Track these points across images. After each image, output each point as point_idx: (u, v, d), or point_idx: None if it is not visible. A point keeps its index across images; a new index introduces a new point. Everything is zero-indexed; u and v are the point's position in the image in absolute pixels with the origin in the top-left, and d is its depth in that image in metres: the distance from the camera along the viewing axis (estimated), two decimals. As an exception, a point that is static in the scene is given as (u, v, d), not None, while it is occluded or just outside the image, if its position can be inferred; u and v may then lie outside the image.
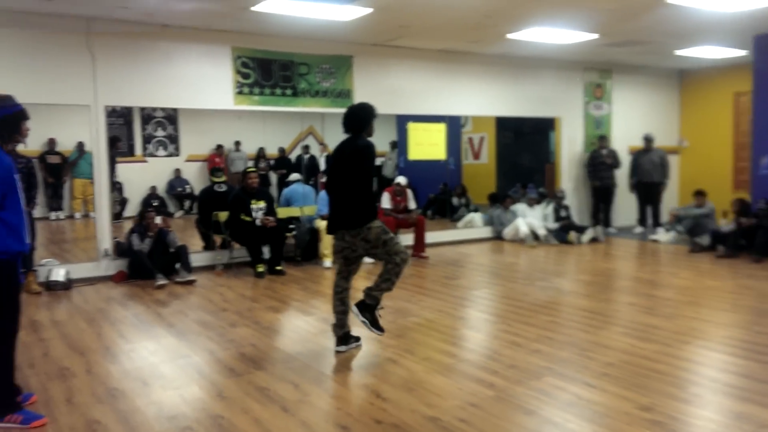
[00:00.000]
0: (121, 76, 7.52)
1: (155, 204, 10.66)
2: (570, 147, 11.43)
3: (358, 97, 9.03)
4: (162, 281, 7.09)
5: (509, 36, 8.70)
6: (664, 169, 11.00)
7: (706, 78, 12.28)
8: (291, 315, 6.04)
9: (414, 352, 4.71)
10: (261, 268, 7.65)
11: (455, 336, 5.28)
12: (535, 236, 10.11)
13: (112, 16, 7.22)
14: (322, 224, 8.13)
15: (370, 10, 7.10)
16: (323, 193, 8.28)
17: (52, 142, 9.40)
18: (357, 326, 4.73)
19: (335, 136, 5.04)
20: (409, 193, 9.16)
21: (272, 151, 11.79)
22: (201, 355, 4.68)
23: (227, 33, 8.14)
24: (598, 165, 11.13)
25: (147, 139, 11.17)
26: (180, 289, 7.03)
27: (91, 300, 6.59)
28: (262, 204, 7.92)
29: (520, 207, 10.63)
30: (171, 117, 11.28)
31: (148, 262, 7.33)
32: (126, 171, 10.40)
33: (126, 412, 3.65)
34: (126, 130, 10.86)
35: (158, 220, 7.73)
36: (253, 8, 6.91)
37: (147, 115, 11.06)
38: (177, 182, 11.63)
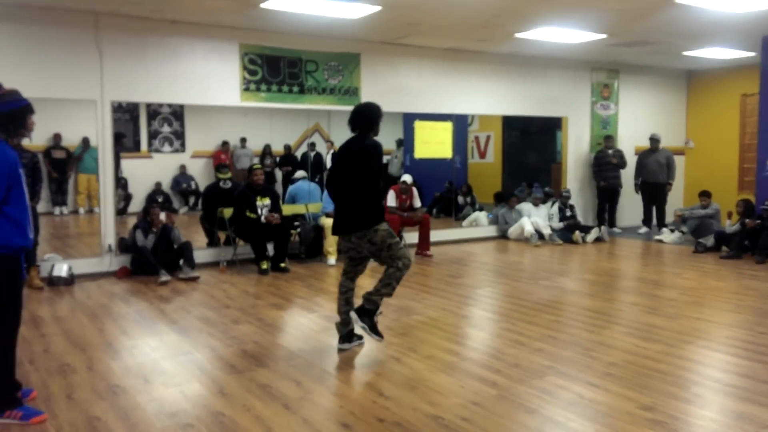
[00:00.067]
0: (128, 72, 7.53)
1: (160, 200, 10.68)
2: (576, 147, 11.40)
3: (365, 95, 9.04)
4: (165, 277, 7.09)
5: (517, 35, 8.67)
6: (670, 169, 10.96)
7: (713, 79, 12.22)
8: (294, 312, 6.03)
9: (417, 350, 4.70)
10: (265, 265, 7.65)
11: (458, 334, 5.27)
12: (539, 235, 10.09)
13: (121, 11, 7.23)
14: (326, 221, 8.12)
15: (378, 8, 7.09)
16: (327, 191, 8.27)
17: (57, 137, 9.41)
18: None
19: (341, 134, 5.01)
20: (415, 191, 9.16)
21: (278, 148, 11.79)
22: (203, 352, 4.68)
23: (235, 29, 8.14)
24: (604, 165, 11.08)
25: (153, 135, 11.19)
26: (183, 286, 7.03)
27: (93, 296, 6.60)
28: (267, 201, 7.92)
29: (526, 206, 10.63)
30: (177, 113, 11.30)
31: (152, 258, 7.33)
32: (131, 167, 10.41)
33: (127, 408, 3.64)
34: (132, 125, 10.88)
35: (162, 216, 7.74)
36: (261, 5, 6.91)
37: (153, 111, 11.08)
38: (182, 178, 11.64)
